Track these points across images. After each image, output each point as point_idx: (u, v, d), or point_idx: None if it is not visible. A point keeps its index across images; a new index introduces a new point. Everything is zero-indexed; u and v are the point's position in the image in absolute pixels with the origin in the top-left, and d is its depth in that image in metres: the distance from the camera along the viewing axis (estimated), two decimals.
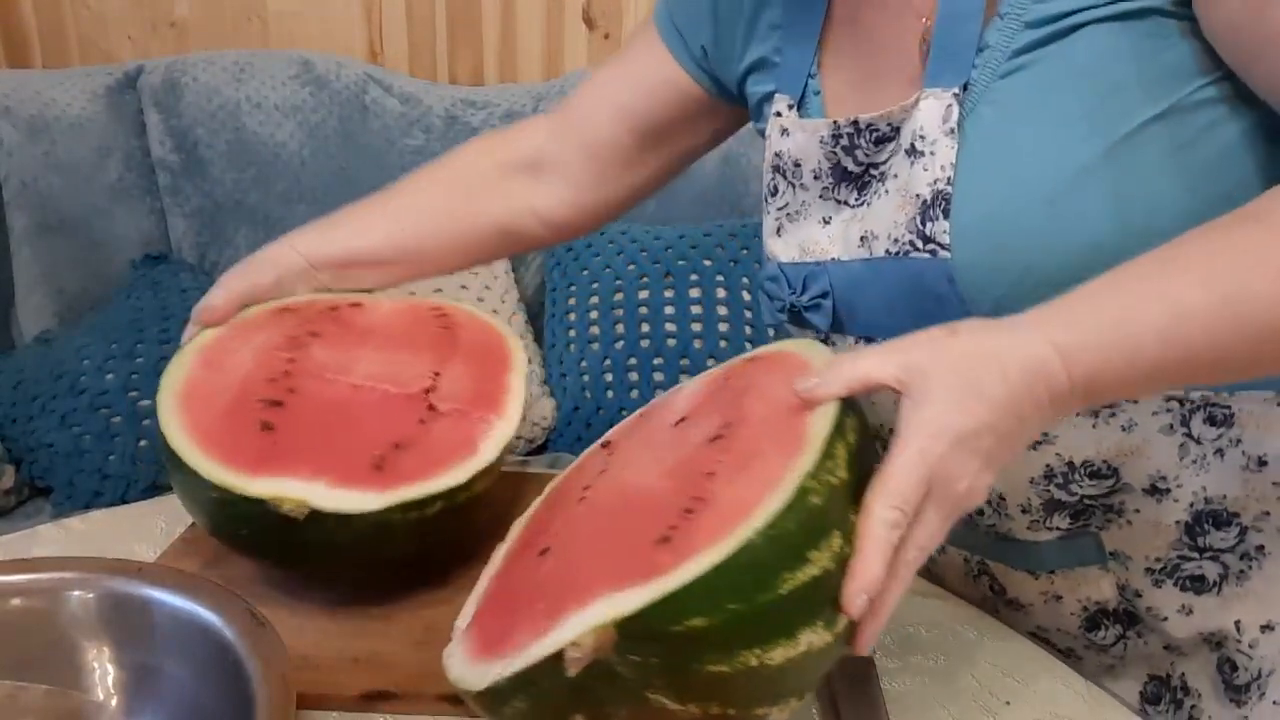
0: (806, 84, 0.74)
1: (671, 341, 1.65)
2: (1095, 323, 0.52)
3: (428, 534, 0.69)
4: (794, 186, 0.73)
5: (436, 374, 0.76)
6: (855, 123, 0.68)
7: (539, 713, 0.49)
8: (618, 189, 0.89)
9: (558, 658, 0.46)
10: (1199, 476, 0.66)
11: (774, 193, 0.75)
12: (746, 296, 1.68)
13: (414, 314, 0.85)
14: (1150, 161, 0.59)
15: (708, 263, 1.68)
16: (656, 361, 1.65)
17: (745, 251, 1.70)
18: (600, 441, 0.69)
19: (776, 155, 0.74)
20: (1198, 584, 0.69)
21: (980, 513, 0.73)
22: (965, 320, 0.54)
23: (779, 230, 0.75)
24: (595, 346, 1.67)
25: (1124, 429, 0.65)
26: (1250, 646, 0.70)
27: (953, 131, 0.62)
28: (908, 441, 0.49)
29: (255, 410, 0.69)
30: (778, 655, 0.47)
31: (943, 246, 0.62)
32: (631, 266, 1.70)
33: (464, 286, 1.69)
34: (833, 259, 0.70)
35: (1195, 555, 0.68)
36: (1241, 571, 0.69)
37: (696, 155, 0.90)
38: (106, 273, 1.75)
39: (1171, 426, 0.65)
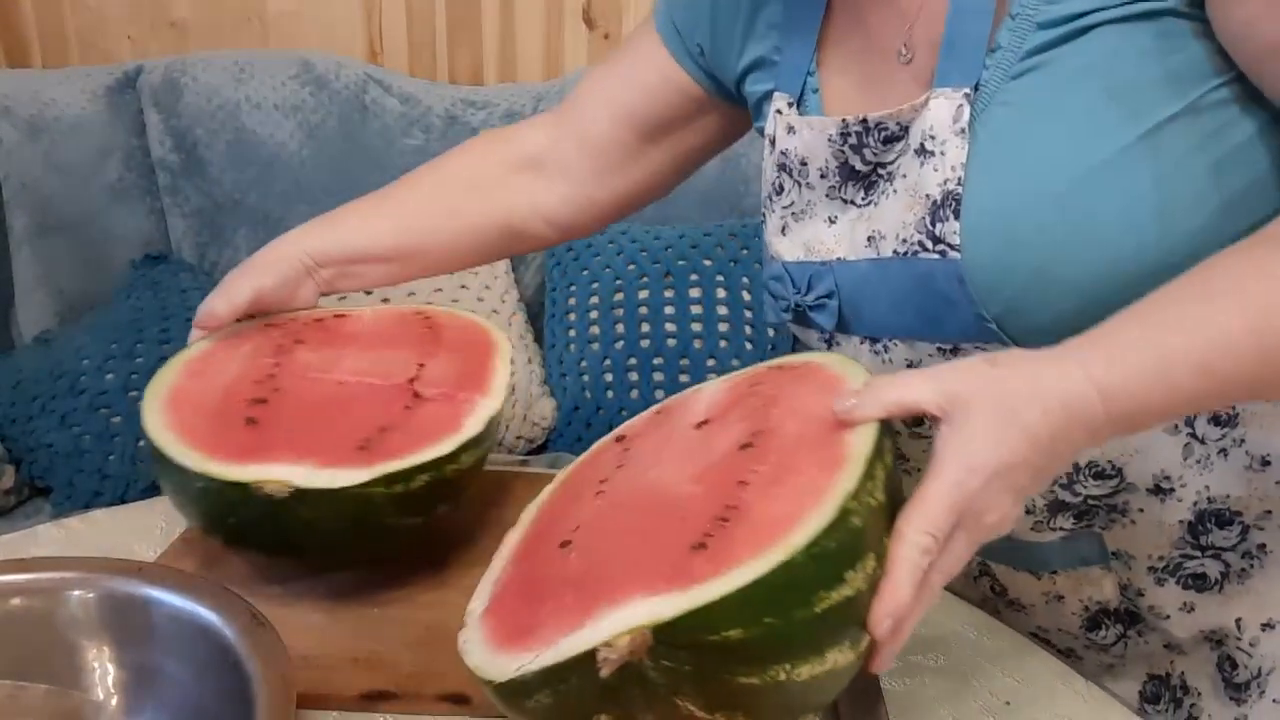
0: (805, 82, 0.73)
1: (671, 341, 1.65)
2: (1134, 358, 0.52)
3: (415, 509, 0.68)
4: (800, 185, 0.73)
5: (421, 365, 0.77)
6: (864, 121, 0.67)
7: (563, 710, 0.49)
8: (619, 188, 0.88)
9: (590, 657, 0.46)
10: (1202, 476, 0.66)
11: (779, 191, 0.75)
12: (747, 296, 1.68)
13: (397, 317, 0.86)
14: (1163, 163, 0.59)
15: (708, 263, 1.68)
16: (656, 361, 1.65)
17: (745, 251, 1.70)
18: (614, 435, 0.69)
19: (782, 154, 0.74)
20: (1199, 582, 0.69)
21: None
22: (1005, 351, 0.54)
23: (784, 229, 0.75)
24: (595, 346, 1.67)
25: None
26: (1251, 644, 0.70)
27: (963, 132, 0.62)
28: (945, 469, 0.50)
29: (240, 408, 0.70)
30: (805, 671, 0.48)
31: (953, 247, 0.62)
32: (631, 266, 1.70)
33: (464, 286, 1.69)
34: (839, 258, 0.70)
35: (1197, 554, 0.68)
36: (1243, 570, 0.69)
37: (700, 156, 0.89)
38: (106, 273, 1.75)
39: (1176, 426, 0.65)
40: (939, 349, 0.66)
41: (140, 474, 1.48)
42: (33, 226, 1.70)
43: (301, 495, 0.63)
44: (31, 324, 1.71)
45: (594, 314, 1.69)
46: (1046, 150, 0.60)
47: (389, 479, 0.65)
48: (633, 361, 1.66)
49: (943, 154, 0.63)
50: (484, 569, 0.59)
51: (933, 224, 0.63)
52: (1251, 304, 0.53)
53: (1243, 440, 0.65)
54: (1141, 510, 0.67)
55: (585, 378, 1.67)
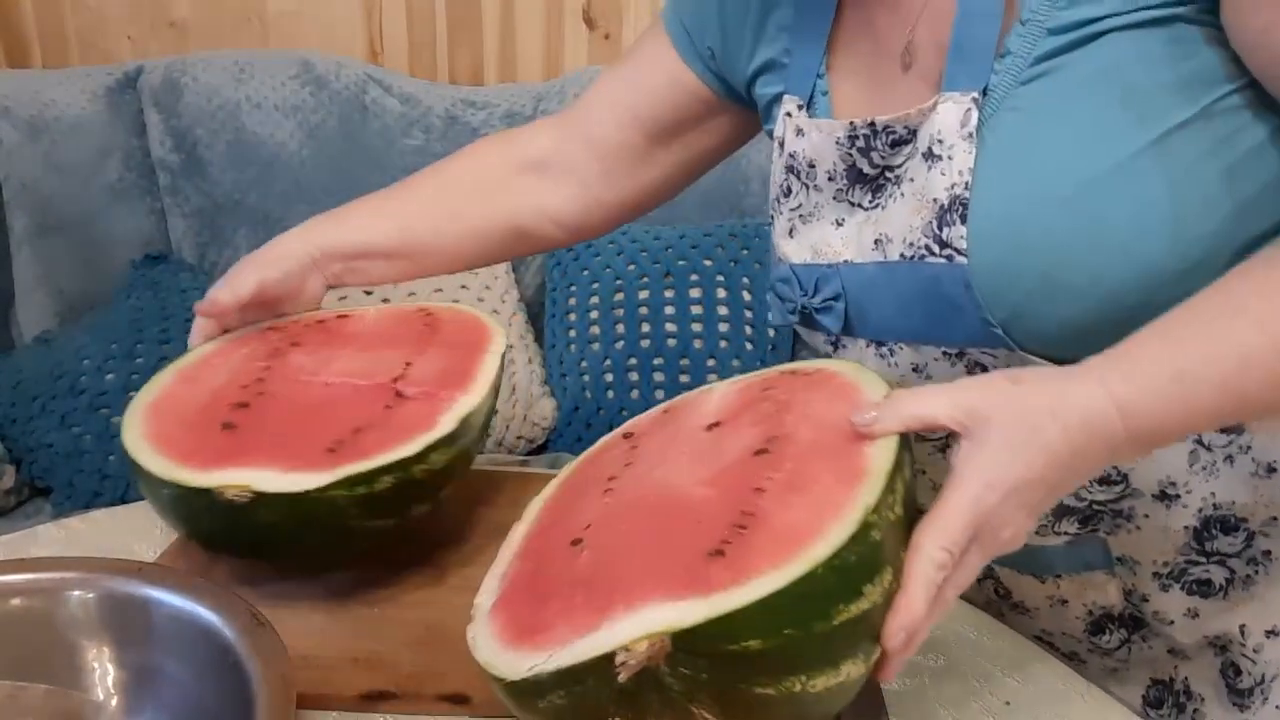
0: (815, 85, 0.73)
1: (671, 341, 1.65)
2: (1154, 376, 0.53)
3: (384, 511, 0.67)
4: (808, 188, 0.73)
5: (408, 364, 0.76)
6: (872, 124, 0.67)
7: (576, 712, 0.49)
8: (626, 190, 0.88)
9: (607, 660, 0.46)
10: (1208, 483, 0.66)
11: (787, 193, 0.75)
12: (747, 296, 1.68)
13: (399, 316, 0.85)
14: (1174, 169, 0.59)
15: (708, 263, 1.68)
16: (656, 361, 1.65)
17: (745, 251, 1.70)
18: (620, 431, 0.69)
19: (791, 156, 0.74)
20: (1204, 588, 0.69)
21: None
22: (1026, 368, 0.55)
23: (791, 231, 0.75)
24: (595, 346, 1.67)
25: None
26: (1255, 651, 0.70)
27: (971, 136, 0.62)
28: (964, 485, 0.50)
29: (222, 413, 0.70)
30: (820, 683, 0.48)
31: (959, 252, 0.62)
32: (631, 266, 1.70)
33: (464, 286, 1.69)
34: (845, 261, 0.69)
35: (1202, 560, 0.68)
36: (1248, 576, 0.68)
37: (709, 159, 0.89)
38: (106, 273, 1.75)
39: None
40: (945, 353, 0.66)
41: None
42: (33, 226, 1.70)
43: (262, 500, 0.63)
44: (31, 324, 1.71)
45: (594, 314, 1.69)
46: (1055, 156, 0.60)
47: (351, 481, 0.64)
48: (633, 361, 1.66)
49: (950, 158, 0.62)
50: (484, 570, 0.59)
51: (940, 228, 0.63)
52: (1271, 321, 0.53)
53: (1249, 447, 0.65)
54: (1147, 516, 0.67)
55: (585, 378, 1.67)
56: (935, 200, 0.63)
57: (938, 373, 0.67)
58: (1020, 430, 0.51)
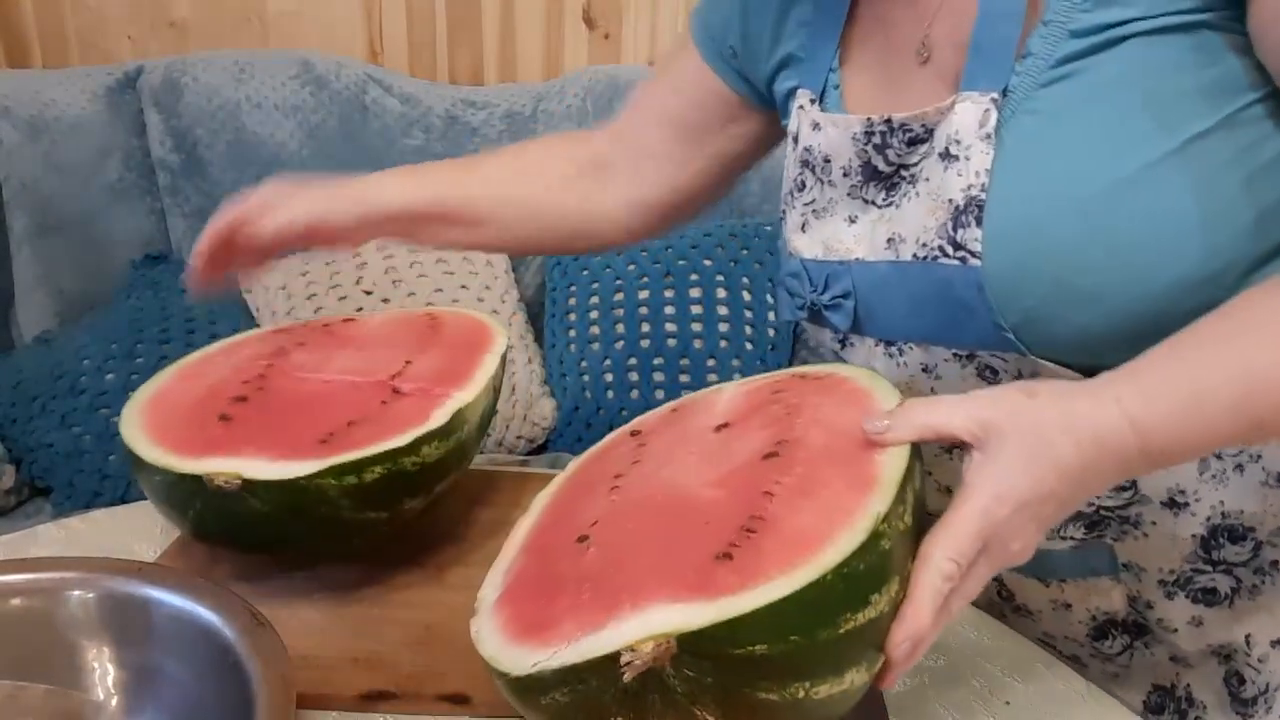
0: (827, 78, 0.73)
1: (671, 341, 1.65)
2: (1169, 395, 0.53)
3: (374, 503, 0.67)
4: (822, 183, 0.72)
5: (408, 361, 0.77)
6: (888, 121, 0.67)
7: (578, 710, 0.49)
8: (665, 193, 0.89)
9: (612, 660, 0.45)
10: (1218, 491, 0.65)
11: (801, 188, 0.74)
12: (747, 296, 1.68)
13: (404, 319, 0.86)
14: (1195, 177, 0.58)
15: (708, 263, 1.68)
16: (656, 361, 1.65)
17: (745, 251, 1.70)
18: (628, 429, 0.69)
19: (806, 150, 0.73)
20: (1210, 597, 0.68)
21: None
22: (1041, 381, 0.54)
23: (804, 226, 0.74)
24: (595, 346, 1.67)
25: None
26: (1260, 661, 0.69)
27: (989, 137, 0.61)
28: (974, 497, 0.50)
29: (219, 406, 0.70)
30: (823, 690, 0.48)
31: (973, 254, 0.61)
32: (631, 266, 1.70)
33: (464, 286, 1.69)
34: (857, 259, 0.69)
35: (1208, 568, 0.68)
36: (1254, 586, 0.68)
37: (740, 163, 0.89)
38: (106, 273, 1.75)
39: None
40: (955, 354, 0.66)
41: None
42: (33, 226, 1.70)
43: (252, 487, 0.63)
44: (31, 324, 1.71)
45: (594, 314, 1.69)
46: (1075, 160, 0.59)
47: (340, 470, 0.64)
48: (633, 361, 1.66)
49: (967, 159, 0.62)
50: (484, 569, 0.59)
51: (954, 229, 0.62)
52: None
53: (1259, 456, 0.65)
54: (1154, 523, 0.67)
55: (585, 378, 1.67)
56: (951, 201, 0.62)
57: (947, 374, 0.67)
58: (1033, 444, 0.50)
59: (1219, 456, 0.65)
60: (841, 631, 0.47)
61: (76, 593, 0.60)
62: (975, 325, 0.63)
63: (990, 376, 0.65)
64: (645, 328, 1.66)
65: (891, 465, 0.52)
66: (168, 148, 1.80)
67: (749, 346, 1.66)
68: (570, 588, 0.52)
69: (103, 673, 0.59)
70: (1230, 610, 0.69)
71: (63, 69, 1.86)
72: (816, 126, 0.72)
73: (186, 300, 1.65)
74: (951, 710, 0.63)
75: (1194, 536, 0.67)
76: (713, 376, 1.64)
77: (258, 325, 1.65)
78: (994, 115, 0.61)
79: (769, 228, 1.70)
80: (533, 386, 1.70)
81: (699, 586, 0.47)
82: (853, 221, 0.70)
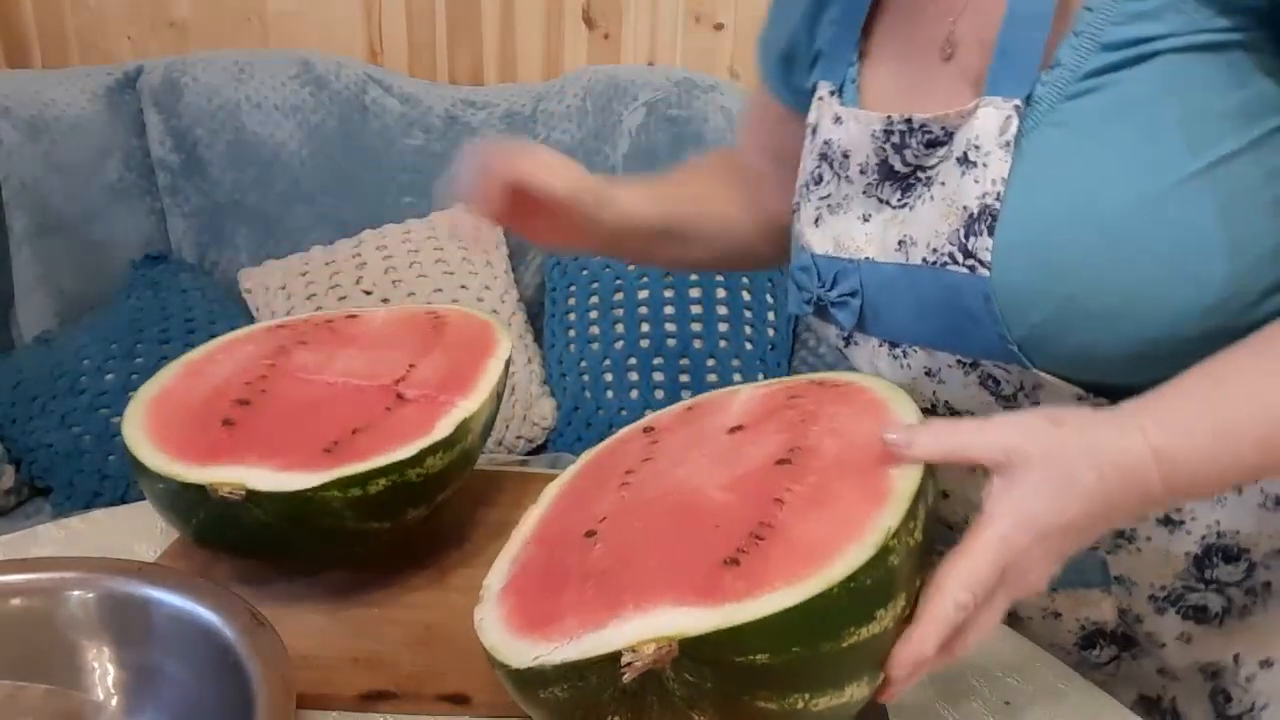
0: (847, 71, 0.73)
1: (671, 341, 1.65)
2: (1193, 428, 0.52)
3: (378, 514, 0.67)
4: (839, 178, 0.72)
5: (411, 365, 0.76)
6: (909, 121, 0.66)
7: (576, 706, 0.49)
8: (776, 215, 0.88)
9: (613, 659, 0.46)
10: (1214, 511, 0.65)
11: (817, 181, 0.74)
12: (747, 297, 1.68)
13: (406, 318, 0.85)
14: (1220, 199, 0.57)
15: None
16: (656, 361, 1.65)
17: None
18: (641, 425, 0.69)
19: (825, 143, 0.73)
20: (1200, 614, 0.68)
21: None
22: (1067, 409, 0.54)
23: (817, 220, 0.73)
24: (595, 346, 1.67)
25: None
26: (1247, 680, 0.69)
27: (1009, 145, 0.60)
28: (994, 525, 0.50)
29: (222, 409, 0.70)
30: (823, 703, 0.48)
31: (983, 264, 0.60)
32: (632, 266, 1.70)
33: (464, 286, 1.69)
34: (867, 258, 0.68)
35: (1200, 586, 0.67)
36: (1245, 606, 0.68)
37: None
38: (106, 273, 1.75)
39: None
40: (959, 361, 0.65)
41: None
42: (33, 226, 1.70)
43: (256, 498, 0.63)
44: (31, 324, 1.71)
45: (594, 314, 1.69)
46: (1096, 177, 0.58)
47: (345, 483, 0.64)
48: (633, 361, 1.66)
49: (985, 165, 0.61)
50: (484, 570, 0.59)
51: (966, 237, 0.61)
52: None
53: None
54: (1149, 538, 0.66)
55: (585, 378, 1.67)
56: (965, 208, 0.61)
57: (950, 379, 0.67)
58: (1056, 474, 0.50)
59: None
60: (844, 645, 0.47)
61: (76, 593, 0.60)
62: (980, 335, 0.62)
63: (992, 386, 0.65)
64: (645, 328, 1.66)
65: (904, 480, 0.52)
66: (168, 148, 1.80)
67: (749, 346, 1.66)
68: (575, 583, 0.52)
69: (103, 673, 0.59)
70: (1220, 629, 0.68)
71: (63, 69, 1.86)
72: (838, 120, 0.71)
73: (186, 300, 1.65)
74: (951, 710, 0.63)
75: (1188, 554, 0.66)
76: (712, 377, 1.64)
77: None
78: (1015, 123, 0.59)
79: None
80: (533, 386, 1.70)
81: (704, 591, 0.47)
82: (866, 220, 0.70)
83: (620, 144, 1.79)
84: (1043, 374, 0.62)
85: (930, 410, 0.69)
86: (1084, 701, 0.66)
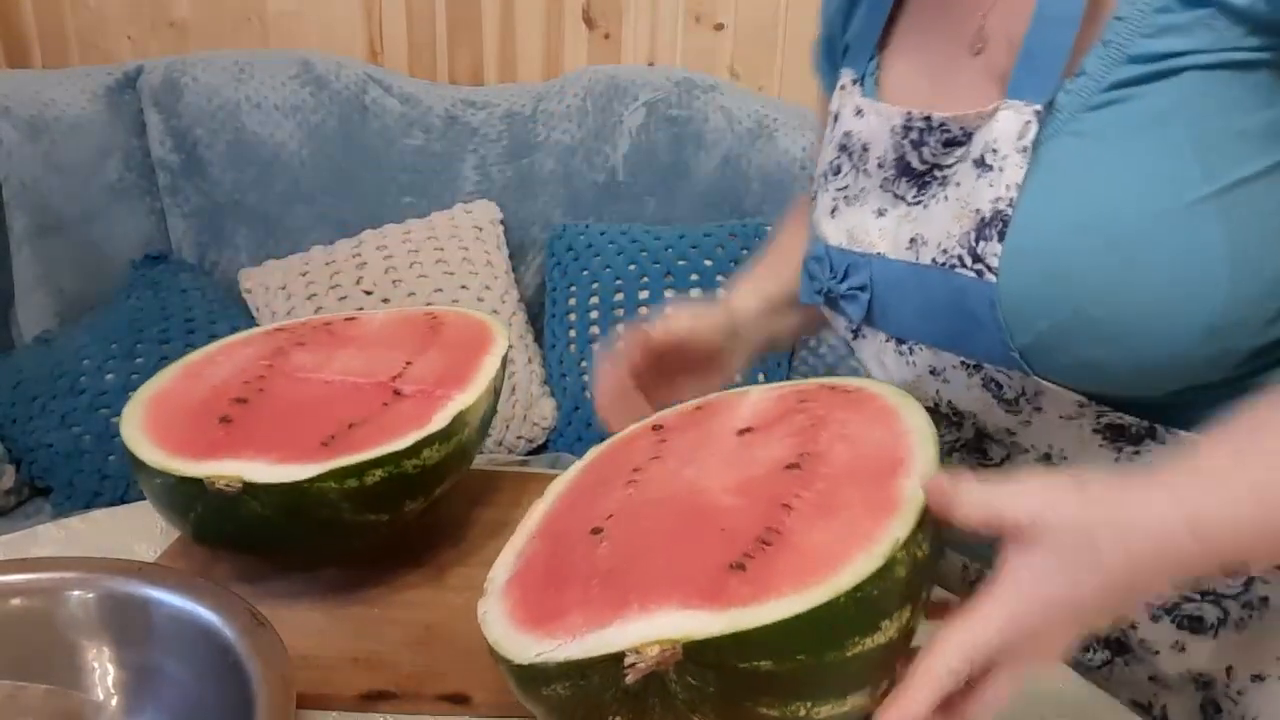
0: (869, 63, 0.72)
1: None
2: (1232, 493, 0.50)
3: (375, 506, 0.67)
4: (857, 170, 0.71)
5: (408, 363, 0.77)
6: (928, 119, 0.65)
7: (577, 704, 0.49)
8: None
9: (616, 659, 0.45)
10: None
11: (836, 172, 0.73)
12: None
13: (405, 319, 0.86)
14: (1234, 222, 0.56)
15: (708, 263, 1.68)
16: None
17: (745, 251, 1.69)
18: (649, 422, 0.69)
19: (846, 134, 0.72)
20: (1195, 624, 0.68)
21: None
22: (1096, 475, 0.51)
23: (833, 211, 0.73)
24: (595, 346, 1.67)
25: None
26: (1239, 693, 0.68)
27: (1026, 150, 0.59)
28: (1002, 598, 0.48)
29: (220, 408, 0.70)
30: (824, 711, 0.48)
31: (990, 269, 0.60)
32: (632, 266, 1.70)
33: (464, 287, 1.69)
34: (879, 254, 0.68)
35: (1197, 597, 0.67)
36: (1241, 619, 0.67)
37: None
38: (106, 273, 1.75)
39: None
40: (963, 363, 0.65)
41: None
42: (33, 226, 1.70)
43: (253, 490, 0.63)
44: (31, 324, 1.71)
45: (594, 314, 1.69)
46: (1112, 190, 0.57)
47: (341, 474, 0.64)
48: None
49: (1001, 169, 0.60)
50: (483, 569, 0.59)
51: (976, 241, 0.61)
52: None
53: None
54: None
55: (585, 378, 1.67)
56: (978, 211, 0.61)
57: (954, 379, 0.66)
58: (1075, 545, 0.48)
59: None
60: (849, 654, 0.47)
61: (76, 593, 0.60)
62: (984, 339, 0.62)
63: (995, 389, 0.65)
64: None
65: (913, 491, 0.52)
66: (168, 148, 1.80)
67: None
68: (580, 580, 0.52)
69: (103, 673, 0.59)
70: (1214, 640, 0.68)
71: (63, 69, 1.86)
72: (860, 112, 0.71)
73: (186, 300, 1.65)
74: None
75: None
76: None
77: (258, 325, 1.65)
78: (1034, 128, 0.59)
79: (769, 227, 1.70)
80: (533, 386, 1.70)
81: (710, 595, 0.47)
82: (881, 215, 0.69)
83: (620, 144, 1.79)
84: (1043, 381, 0.61)
85: (934, 410, 0.69)
86: (1086, 700, 0.66)
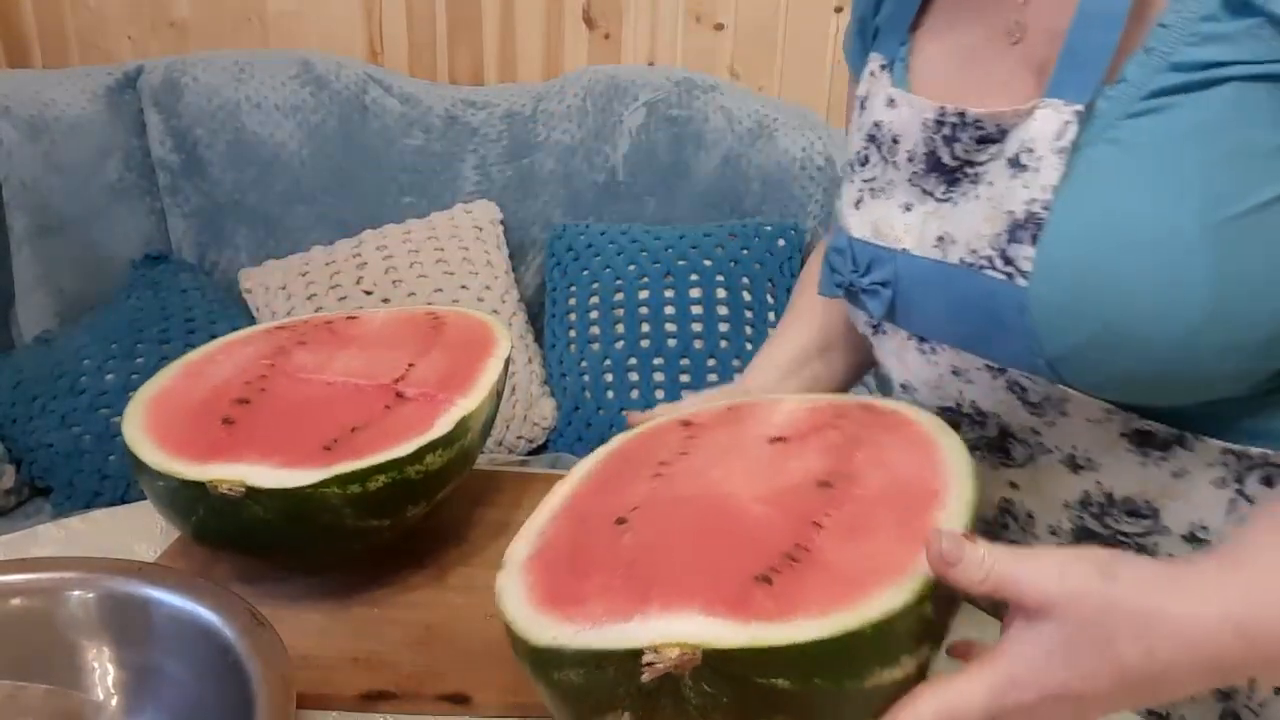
0: (899, 49, 0.71)
1: (671, 341, 1.65)
2: (1276, 593, 0.47)
3: (377, 511, 0.67)
4: (886, 162, 0.70)
5: (411, 365, 0.77)
6: (962, 114, 0.64)
7: (588, 693, 0.48)
8: None
9: (634, 656, 0.45)
10: None
11: (864, 162, 0.72)
12: (747, 297, 1.68)
13: (406, 319, 0.85)
14: (1267, 240, 0.54)
15: (708, 263, 1.68)
16: (656, 361, 1.65)
17: (745, 251, 1.69)
18: (679, 419, 0.68)
19: (875, 125, 0.71)
20: None
21: (1005, 527, 0.71)
22: (1127, 561, 0.48)
23: (859, 203, 0.72)
24: (595, 346, 1.67)
25: (1174, 475, 0.62)
26: (1260, 705, 0.67)
27: (1063, 152, 0.57)
28: (991, 671, 0.47)
29: (222, 408, 0.70)
30: None
31: (1022, 273, 0.58)
32: (632, 267, 1.70)
33: (464, 287, 1.69)
34: (904, 249, 0.67)
35: None
36: None
37: None
38: (106, 273, 1.75)
39: (1224, 480, 0.62)
40: (987, 366, 0.64)
41: None
42: (33, 226, 1.70)
43: (256, 495, 0.63)
44: (31, 324, 1.71)
45: (594, 314, 1.69)
46: (1148, 200, 0.56)
47: (344, 480, 0.64)
48: (633, 361, 1.66)
49: (1036, 170, 0.58)
50: (484, 569, 0.59)
51: (1008, 243, 0.59)
52: None
53: None
54: (1170, 555, 0.65)
55: (585, 378, 1.67)
56: (1010, 212, 0.59)
57: (978, 381, 0.66)
58: (1088, 637, 0.45)
59: (1250, 499, 0.62)
60: (866, 685, 0.46)
61: (76, 593, 0.60)
62: (1010, 345, 0.61)
63: (1020, 392, 0.64)
64: (645, 328, 1.66)
65: (950, 526, 0.51)
66: (168, 148, 1.80)
67: (749, 346, 1.65)
68: (603, 568, 0.52)
69: (103, 673, 0.59)
70: None
71: (63, 69, 1.86)
72: (892, 103, 0.70)
73: (187, 300, 1.65)
74: None
75: None
76: (713, 376, 1.64)
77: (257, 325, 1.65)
78: (1074, 129, 0.57)
79: (769, 228, 1.70)
80: (533, 386, 1.70)
81: (734, 605, 0.47)
82: (907, 209, 0.68)
83: (620, 144, 1.79)
84: (1068, 389, 0.60)
85: (956, 410, 0.69)
86: None
